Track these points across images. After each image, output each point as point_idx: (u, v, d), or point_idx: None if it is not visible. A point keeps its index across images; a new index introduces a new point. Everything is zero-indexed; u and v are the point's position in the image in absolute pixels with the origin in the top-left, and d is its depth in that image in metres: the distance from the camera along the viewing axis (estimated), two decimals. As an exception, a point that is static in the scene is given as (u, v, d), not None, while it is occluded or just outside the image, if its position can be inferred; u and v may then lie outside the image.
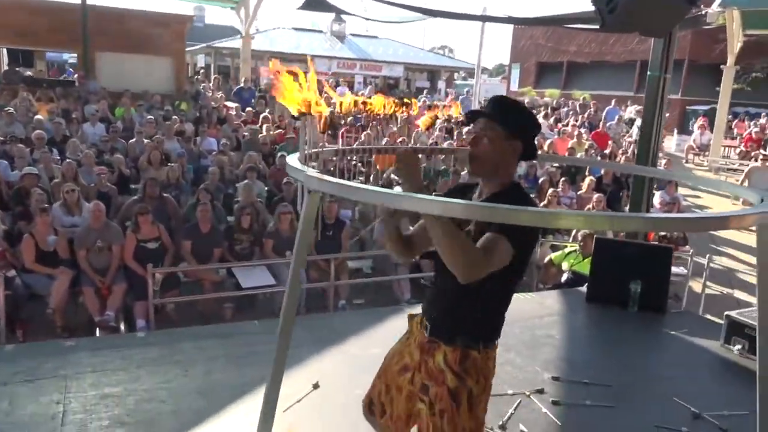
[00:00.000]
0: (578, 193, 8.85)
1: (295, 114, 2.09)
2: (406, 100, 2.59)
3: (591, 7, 4.23)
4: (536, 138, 2.00)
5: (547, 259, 6.67)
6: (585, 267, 6.11)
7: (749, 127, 16.01)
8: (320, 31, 27.42)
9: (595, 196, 8.77)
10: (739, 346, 3.87)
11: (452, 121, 12.03)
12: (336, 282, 6.09)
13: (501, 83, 37.85)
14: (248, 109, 12.35)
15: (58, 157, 7.87)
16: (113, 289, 5.42)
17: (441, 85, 27.84)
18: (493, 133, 1.86)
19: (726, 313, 4.02)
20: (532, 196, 8.40)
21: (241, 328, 3.90)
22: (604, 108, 18.38)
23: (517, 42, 36.25)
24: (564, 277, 6.20)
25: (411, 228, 2.15)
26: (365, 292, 6.68)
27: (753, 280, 7.52)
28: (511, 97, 2.03)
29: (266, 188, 7.89)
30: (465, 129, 11.75)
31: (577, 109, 18.40)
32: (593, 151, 11.38)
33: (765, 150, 13.42)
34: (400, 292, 6.62)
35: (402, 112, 2.64)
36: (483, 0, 14.22)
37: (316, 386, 3.13)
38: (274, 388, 1.97)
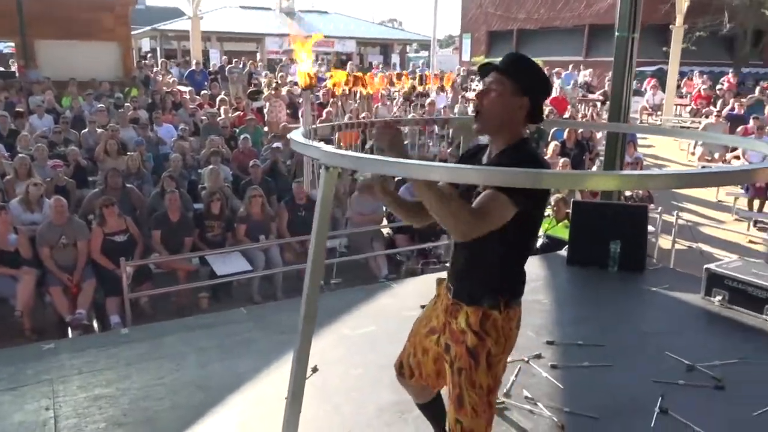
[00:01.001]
0: (545, 158, 8.93)
1: (302, 87, 2.04)
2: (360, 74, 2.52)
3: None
4: (544, 101, 1.96)
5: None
6: (560, 231, 6.19)
7: (697, 85, 16.42)
8: (269, 9, 26.73)
9: (561, 160, 8.90)
10: (719, 297, 3.98)
11: (414, 92, 11.99)
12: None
13: (453, 54, 37.84)
14: (203, 92, 11.99)
15: (7, 153, 7.49)
16: (82, 286, 5.20)
17: (395, 58, 27.62)
18: (502, 87, 1.83)
19: (705, 266, 4.12)
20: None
21: (228, 317, 3.79)
22: (556, 72, 18.60)
23: (466, 12, 36.19)
24: (539, 242, 6.26)
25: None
26: (341, 271, 6.61)
27: (715, 233, 7.77)
28: (524, 55, 1.97)
29: (231, 172, 7.71)
30: (428, 100, 11.71)
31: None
32: (552, 116, 11.48)
33: (715, 107, 13.81)
34: (377, 268, 6.59)
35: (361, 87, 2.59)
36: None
37: (315, 370, 3.07)
38: (300, 376, 1.89)
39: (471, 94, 13.77)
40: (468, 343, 1.88)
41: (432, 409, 2.30)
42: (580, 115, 11.42)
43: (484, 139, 1.99)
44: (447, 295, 2.00)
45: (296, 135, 1.79)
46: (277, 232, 6.38)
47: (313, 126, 2.01)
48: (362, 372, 3.10)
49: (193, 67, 13.91)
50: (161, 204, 6.04)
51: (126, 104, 10.11)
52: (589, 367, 3.17)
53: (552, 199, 6.41)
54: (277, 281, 6.11)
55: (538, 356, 3.28)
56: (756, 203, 8.47)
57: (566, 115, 11.76)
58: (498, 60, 1.94)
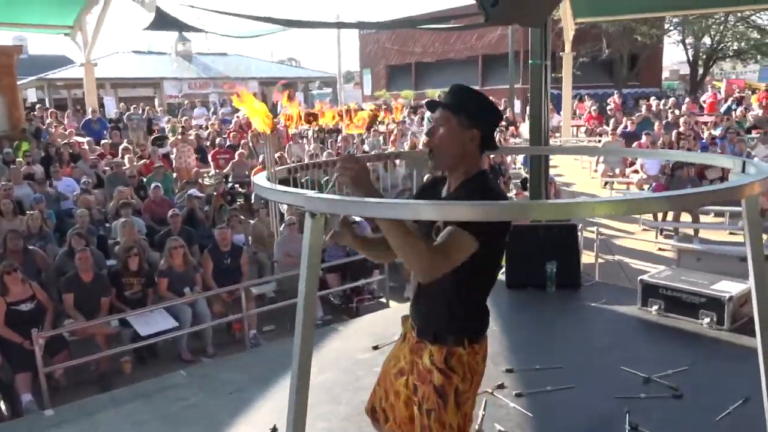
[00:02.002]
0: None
1: (268, 132, 1.94)
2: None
3: (440, 7, 4.32)
4: (496, 128, 1.94)
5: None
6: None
7: (588, 107, 17.56)
8: (165, 53, 26.00)
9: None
10: (656, 307, 4.12)
11: (325, 130, 11.95)
12: (252, 311, 5.69)
13: (355, 89, 38.45)
14: (103, 141, 11.35)
15: None
16: (-16, 365, 4.63)
17: (299, 96, 27.63)
18: (450, 123, 1.82)
19: (639, 278, 4.27)
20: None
21: (166, 382, 3.46)
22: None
23: (365, 48, 37.04)
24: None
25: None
26: (272, 318, 6.34)
27: (627, 243, 8.15)
28: (468, 87, 1.95)
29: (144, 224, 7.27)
30: (339, 137, 11.69)
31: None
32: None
33: (608, 125, 14.77)
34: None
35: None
36: (333, 9, 14.25)
37: (274, 431, 2.84)
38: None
39: (382, 128, 13.94)
40: (435, 382, 1.83)
41: None
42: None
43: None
44: (412, 334, 1.97)
45: (262, 180, 1.64)
46: (202, 283, 6.03)
47: (279, 168, 1.87)
48: (326, 426, 2.91)
49: (90, 116, 13.16)
50: (70, 264, 5.55)
51: (18, 159, 9.35)
52: (553, 391, 3.16)
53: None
54: (206, 336, 5.75)
55: (501, 386, 3.23)
56: (660, 213, 9.02)
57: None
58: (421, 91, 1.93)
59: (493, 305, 4.39)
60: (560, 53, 16.90)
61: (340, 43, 15.56)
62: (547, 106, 5.15)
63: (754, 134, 11.58)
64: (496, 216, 1.47)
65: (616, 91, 22.58)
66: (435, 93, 29.10)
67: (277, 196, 1.61)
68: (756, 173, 1.50)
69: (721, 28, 29.33)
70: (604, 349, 3.70)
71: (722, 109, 14.78)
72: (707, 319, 3.86)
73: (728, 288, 3.89)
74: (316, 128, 11.65)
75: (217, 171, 10.73)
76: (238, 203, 9.10)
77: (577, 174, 12.49)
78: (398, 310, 4.66)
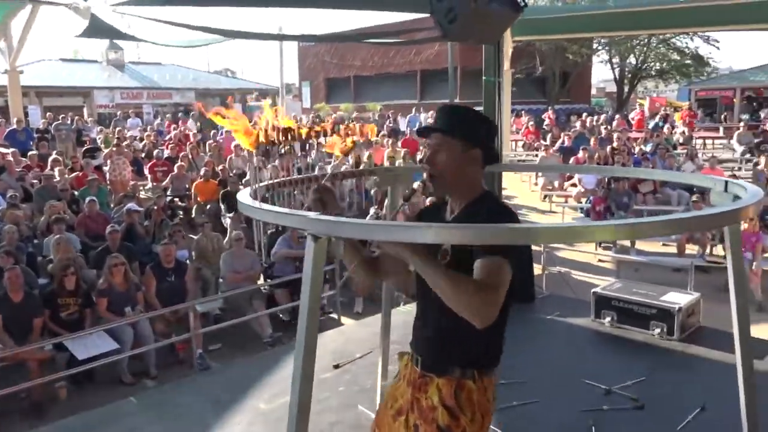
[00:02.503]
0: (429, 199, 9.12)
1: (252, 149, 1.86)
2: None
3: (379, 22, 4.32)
4: (494, 140, 1.89)
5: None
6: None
7: (524, 122, 18.07)
8: (95, 61, 24.98)
9: (429, 199, 9.14)
10: (608, 318, 4.22)
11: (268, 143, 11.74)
12: (200, 330, 5.45)
13: (293, 101, 38.16)
14: (29, 152, 10.72)
15: None
16: None
17: (237, 107, 27.14)
18: (450, 147, 1.74)
19: (593, 290, 4.37)
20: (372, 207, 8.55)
21: (116, 410, 3.24)
22: (396, 116, 19.48)
23: (304, 61, 36.90)
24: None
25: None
26: (217, 337, 6.11)
27: (568, 255, 8.35)
28: (456, 105, 1.91)
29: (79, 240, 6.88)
30: (282, 150, 11.51)
31: (377, 118, 19.18)
32: (409, 157, 11.87)
33: (545, 140, 15.22)
34: (261, 329, 6.17)
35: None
36: (276, 20, 14.06)
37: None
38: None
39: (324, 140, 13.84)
40: (439, 422, 1.69)
41: None
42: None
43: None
44: (413, 368, 1.82)
45: (246, 198, 1.55)
46: (145, 302, 5.74)
47: (263, 184, 1.80)
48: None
49: (15, 126, 12.42)
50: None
51: (-66, 173, 8.70)
52: (519, 406, 3.15)
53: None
54: (149, 357, 5.46)
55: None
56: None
57: (419, 156, 12.22)
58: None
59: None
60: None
61: (282, 55, 15.39)
62: (500, 122, 5.22)
63: (680, 150, 12.22)
64: (552, 239, 1.42)
65: (549, 107, 23.37)
66: (375, 106, 29.23)
67: (276, 218, 1.51)
68: (749, 196, 1.50)
69: (645, 49, 30.94)
70: (564, 361, 3.74)
71: (650, 126, 15.52)
72: (658, 330, 3.98)
73: (677, 299, 4.03)
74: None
75: (155, 184, 10.34)
76: (178, 217, 8.78)
77: (518, 187, 12.79)
78: (353, 327, 4.57)
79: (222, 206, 9.02)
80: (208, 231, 7.19)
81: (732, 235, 1.66)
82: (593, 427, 2.89)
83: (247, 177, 9.52)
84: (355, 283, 6.93)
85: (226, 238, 7.41)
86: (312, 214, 1.35)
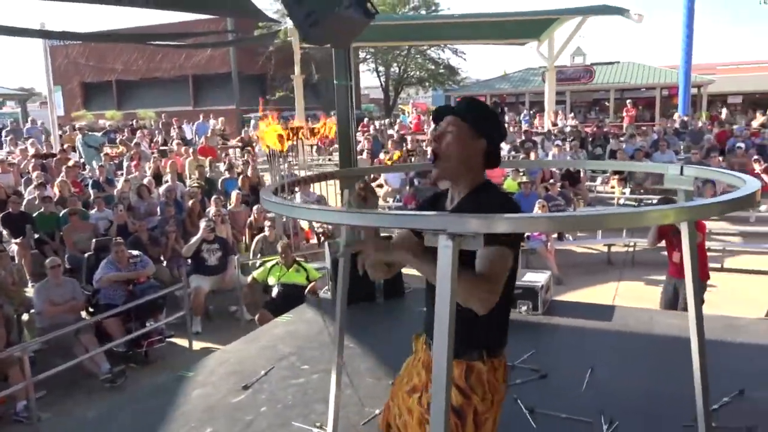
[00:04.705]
0: (229, 208, 8.76)
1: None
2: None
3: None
4: (500, 143, 1.99)
5: (250, 279, 6.46)
6: (292, 277, 6.18)
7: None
8: None
9: (242, 207, 8.87)
10: (524, 307, 4.52)
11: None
12: (31, 380, 4.56)
13: (41, 108, 33.64)
14: None
15: None
16: None
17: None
18: (459, 130, 1.82)
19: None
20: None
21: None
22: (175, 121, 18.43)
23: (53, 62, 32.71)
24: (274, 292, 6.12)
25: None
26: (41, 381, 5.23)
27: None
28: (480, 100, 1.98)
29: None
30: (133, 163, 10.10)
31: (160, 126, 17.92)
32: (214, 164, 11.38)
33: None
34: (94, 365, 5.42)
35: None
36: (37, 16, 12.28)
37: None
38: None
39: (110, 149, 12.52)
40: (453, 402, 1.75)
41: None
42: (241, 161, 11.57)
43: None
44: (426, 351, 1.91)
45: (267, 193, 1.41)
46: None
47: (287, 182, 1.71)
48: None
49: None
50: None
51: None
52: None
53: (279, 247, 6.36)
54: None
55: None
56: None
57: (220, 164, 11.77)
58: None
59: (329, 323, 4.38)
60: (292, 75, 17.61)
61: (48, 57, 13.37)
62: (353, 126, 5.33)
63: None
64: (573, 227, 1.53)
65: (330, 113, 24.16)
66: (147, 113, 27.19)
67: (407, 222, 1.39)
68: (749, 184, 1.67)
69: (406, 59, 33.73)
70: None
71: (430, 129, 17.02)
72: (525, 307, 4.46)
73: (536, 279, 4.56)
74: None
75: None
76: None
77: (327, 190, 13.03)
78: (233, 346, 4.28)
79: (3, 232, 7.68)
80: (5, 261, 6.07)
81: (690, 231, 2.02)
82: (518, 400, 3.15)
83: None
84: (194, 302, 6.46)
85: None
86: (448, 215, 1.30)
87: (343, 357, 2.74)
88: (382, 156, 11.55)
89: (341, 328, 2.67)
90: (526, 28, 14.74)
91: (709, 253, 6.39)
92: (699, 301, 2.18)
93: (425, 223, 1.34)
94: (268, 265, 6.32)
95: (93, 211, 8.25)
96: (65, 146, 12.78)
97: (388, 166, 5.17)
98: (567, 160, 10.80)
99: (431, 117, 2.13)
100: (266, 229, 7.38)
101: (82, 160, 12.11)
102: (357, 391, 3.36)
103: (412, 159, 11.45)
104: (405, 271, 6.02)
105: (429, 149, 2.20)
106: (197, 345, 6.02)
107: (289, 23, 15.47)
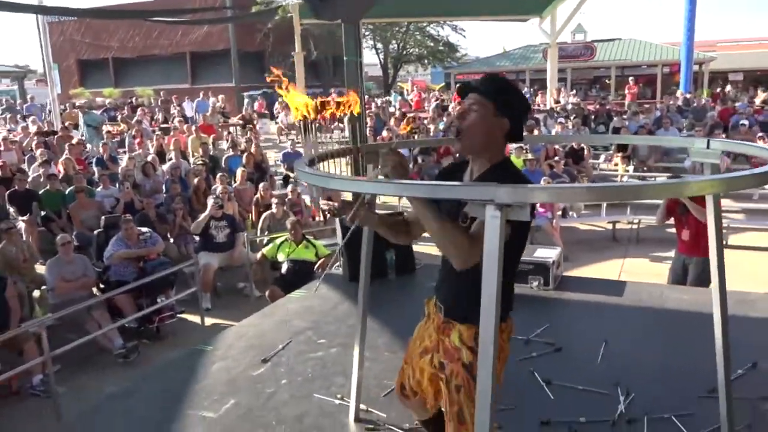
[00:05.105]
0: (234, 185, 8.76)
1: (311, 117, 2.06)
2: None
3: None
4: (524, 120, 2.02)
5: (259, 255, 6.49)
6: (302, 253, 6.22)
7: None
8: None
9: (248, 184, 8.89)
10: (536, 282, 4.56)
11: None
12: (43, 358, 4.60)
13: (38, 86, 33.41)
14: None
15: None
16: None
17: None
18: (483, 107, 1.87)
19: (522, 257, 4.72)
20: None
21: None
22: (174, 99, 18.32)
23: (49, 39, 32.37)
24: (284, 268, 6.15)
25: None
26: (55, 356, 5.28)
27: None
28: (504, 77, 2.00)
29: None
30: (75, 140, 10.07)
31: (159, 104, 17.81)
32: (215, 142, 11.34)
33: (341, 122, 15.66)
34: (108, 341, 5.48)
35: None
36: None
37: None
38: None
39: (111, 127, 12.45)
40: (464, 360, 1.92)
41: (435, 425, 2.30)
42: (245, 139, 11.54)
43: None
44: (438, 314, 2.04)
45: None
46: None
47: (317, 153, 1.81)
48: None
49: None
50: None
51: None
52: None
53: (288, 223, 6.38)
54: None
55: (416, 372, 3.30)
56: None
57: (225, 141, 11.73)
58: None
59: (348, 300, 4.43)
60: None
61: (46, 34, 13.27)
62: (363, 101, 5.31)
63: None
64: (613, 197, 1.54)
65: (331, 90, 24.02)
66: (145, 91, 26.98)
67: (454, 193, 1.41)
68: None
69: (405, 36, 33.44)
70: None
71: (431, 107, 16.93)
72: (536, 283, 4.51)
73: (547, 254, 4.60)
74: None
75: None
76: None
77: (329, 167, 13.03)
78: (249, 320, 4.32)
79: (10, 209, 7.69)
80: (16, 238, 6.08)
81: (715, 204, 2.05)
82: (535, 372, 3.21)
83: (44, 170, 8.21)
84: (203, 279, 6.49)
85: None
86: (496, 185, 1.32)
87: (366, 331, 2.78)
88: (384, 134, 11.51)
89: (365, 303, 2.70)
90: (529, 3, 14.61)
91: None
92: (722, 275, 2.20)
93: (472, 193, 1.36)
94: (278, 241, 6.34)
95: (98, 189, 8.26)
96: (67, 124, 12.70)
97: (414, 140, 5.24)
98: (594, 135, 10.85)
99: (456, 92, 2.20)
100: (273, 206, 7.40)
101: (83, 138, 12.06)
102: (375, 364, 3.41)
103: (415, 136, 11.42)
104: (416, 248, 6.09)
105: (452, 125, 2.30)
106: (208, 321, 6.06)
107: (290, -1, 15.31)
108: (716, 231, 2.15)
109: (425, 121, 13.96)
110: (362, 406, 2.90)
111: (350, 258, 5.01)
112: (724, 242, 8.19)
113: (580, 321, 4.08)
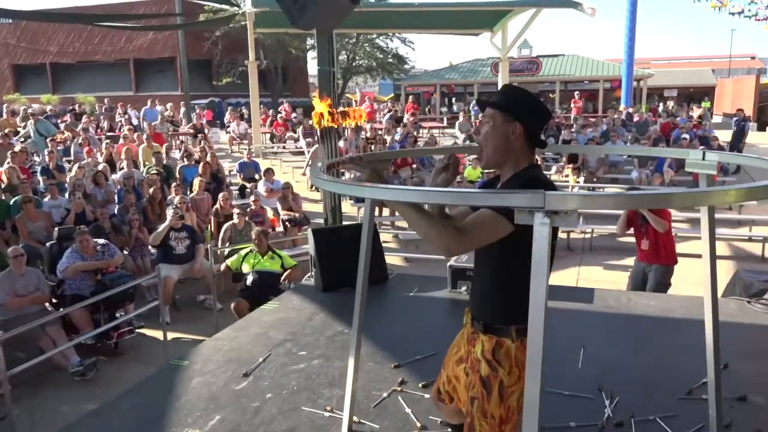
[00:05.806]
0: (190, 195, 8.53)
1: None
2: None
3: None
4: (544, 125, 2.05)
5: (223, 267, 6.33)
6: (267, 264, 6.10)
7: (270, 116, 18.16)
8: None
9: (205, 194, 8.70)
10: (465, 288, 4.66)
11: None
12: (6, 374, 4.33)
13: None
14: None
15: None
16: None
17: None
18: (492, 117, 1.92)
19: (449, 264, 4.78)
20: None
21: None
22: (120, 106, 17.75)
23: (-20, 42, 30.92)
24: (249, 280, 6.02)
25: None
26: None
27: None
28: (519, 87, 2.03)
29: None
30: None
31: (103, 111, 17.21)
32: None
33: (295, 132, 15.53)
34: (64, 358, 5.21)
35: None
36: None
37: None
38: None
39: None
40: (482, 372, 1.91)
41: None
42: (196, 149, 11.26)
43: None
44: (469, 323, 2.06)
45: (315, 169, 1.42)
46: None
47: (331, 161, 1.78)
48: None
49: None
50: None
51: None
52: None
53: (253, 233, 6.26)
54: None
55: (403, 382, 3.28)
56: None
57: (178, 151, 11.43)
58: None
59: (323, 309, 4.38)
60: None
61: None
62: (344, 107, 5.28)
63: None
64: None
65: (282, 100, 23.82)
66: (86, 98, 26.01)
67: (502, 200, 1.40)
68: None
69: (354, 47, 33.55)
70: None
71: (384, 119, 17.04)
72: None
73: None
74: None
75: None
76: None
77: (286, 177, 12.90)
78: (224, 333, 4.21)
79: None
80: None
81: (709, 215, 2.14)
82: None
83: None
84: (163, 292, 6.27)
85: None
86: (544, 192, 1.33)
87: (360, 341, 2.74)
88: (341, 144, 11.48)
89: (361, 312, 2.67)
90: (481, 18, 14.91)
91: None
92: (714, 283, 2.29)
93: (522, 201, 1.37)
94: (242, 252, 6.21)
95: (45, 199, 7.89)
96: (7, 131, 12.08)
97: (423, 149, 5.26)
98: (591, 146, 11.00)
99: (473, 105, 2.26)
100: (235, 216, 7.24)
101: (26, 146, 11.49)
102: (359, 375, 3.37)
103: (372, 147, 11.44)
104: (388, 259, 6.08)
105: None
106: (170, 335, 5.86)
107: (246, 7, 15.10)
108: (710, 240, 2.23)
109: (379, 132, 14.03)
110: (354, 418, 2.86)
111: (323, 268, 4.96)
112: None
113: (556, 328, 4.14)
